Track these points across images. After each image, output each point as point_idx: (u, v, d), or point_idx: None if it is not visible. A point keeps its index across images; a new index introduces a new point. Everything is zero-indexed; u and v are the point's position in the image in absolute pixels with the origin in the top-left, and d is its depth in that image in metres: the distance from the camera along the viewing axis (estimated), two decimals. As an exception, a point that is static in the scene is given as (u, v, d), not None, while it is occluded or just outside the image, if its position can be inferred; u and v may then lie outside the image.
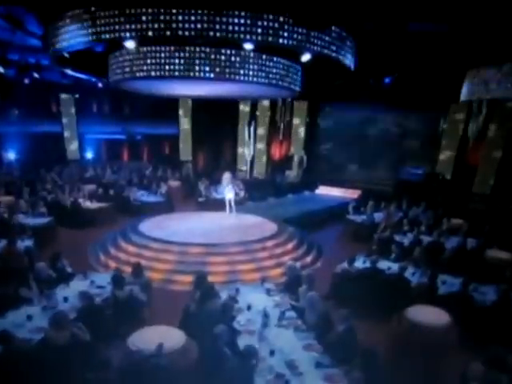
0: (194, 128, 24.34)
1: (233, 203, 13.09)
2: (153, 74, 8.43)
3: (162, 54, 8.54)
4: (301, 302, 6.35)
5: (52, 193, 14.15)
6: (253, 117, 23.03)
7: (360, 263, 8.37)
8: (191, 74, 8.59)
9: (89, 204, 13.61)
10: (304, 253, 10.87)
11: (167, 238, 10.40)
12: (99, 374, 4.57)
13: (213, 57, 8.65)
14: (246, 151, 23.00)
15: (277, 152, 23.00)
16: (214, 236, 10.79)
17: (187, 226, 11.67)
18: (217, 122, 22.11)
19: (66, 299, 6.26)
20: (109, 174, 19.51)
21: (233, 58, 8.68)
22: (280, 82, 9.35)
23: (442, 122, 18.38)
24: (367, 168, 20.14)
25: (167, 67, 8.48)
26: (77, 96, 20.56)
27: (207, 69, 8.63)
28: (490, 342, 5.22)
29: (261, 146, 22.94)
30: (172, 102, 23.59)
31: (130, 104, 23.71)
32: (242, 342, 5.25)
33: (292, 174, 21.17)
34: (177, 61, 8.43)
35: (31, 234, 9.76)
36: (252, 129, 22.86)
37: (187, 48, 8.43)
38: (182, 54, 8.45)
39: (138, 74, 8.44)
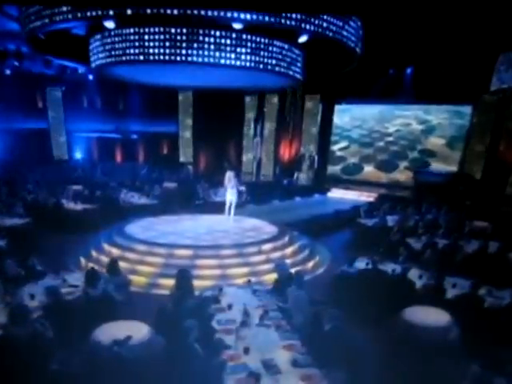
0: (195, 125, 24.68)
1: (233, 207, 13.19)
2: (136, 57, 8.73)
3: (146, 37, 8.88)
4: (289, 302, 6.51)
5: (33, 193, 14.58)
6: (260, 113, 23.36)
7: (363, 265, 8.49)
8: (178, 58, 8.91)
9: (72, 205, 13.98)
10: (305, 258, 11.02)
11: (153, 240, 10.70)
12: (59, 369, 4.80)
13: (201, 39, 8.96)
14: (252, 151, 23.31)
15: (286, 152, 23.25)
16: (206, 238, 11.05)
17: (178, 229, 11.94)
18: (220, 118, 22.38)
19: (32, 296, 6.52)
20: (98, 174, 19.94)
21: (223, 41, 8.99)
22: (276, 68, 9.60)
23: (470, 116, 18.38)
24: (385, 169, 20.22)
25: (151, 50, 8.81)
26: (63, 88, 20.98)
27: (195, 52, 8.95)
28: (493, 344, 5.34)
29: (268, 145, 23.22)
30: (171, 97, 24.04)
31: (125, 99, 24.12)
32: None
33: (302, 175, 21.36)
34: (162, 44, 8.74)
35: (5, 235, 10.10)
36: (259, 126, 23.18)
37: (173, 30, 8.75)
38: (167, 37, 8.76)
39: (118, 59, 8.75)
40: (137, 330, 5.24)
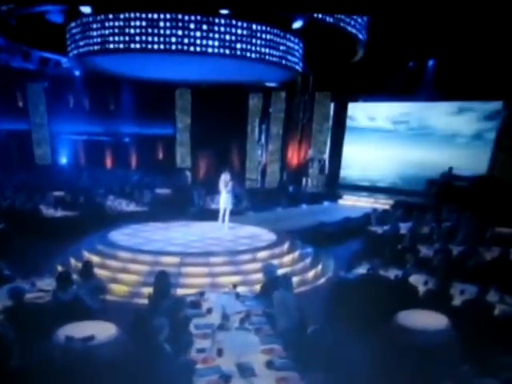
0: (193, 127, 25.00)
1: (228, 213, 13.42)
2: (115, 46, 9.12)
3: (127, 23, 9.26)
4: (273, 305, 6.76)
5: (9, 199, 15.09)
6: (265, 113, 23.68)
7: (364, 271, 8.74)
8: (161, 46, 9.26)
9: (52, 212, 14.46)
10: (306, 267, 11.31)
11: (138, 247, 11.06)
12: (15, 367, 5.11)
13: (186, 25, 9.30)
14: (256, 155, 23.62)
15: (294, 156, 23.53)
16: (196, 246, 11.43)
17: (166, 236, 12.34)
18: (222, 119, 22.62)
19: (-6, 299, 6.87)
20: (84, 180, 20.41)
21: (211, 27, 9.34)
22: (268, 57, 9.91)
23: (502, 113, 18.51)
24: (404, 173, 20.40)
25: (129, 38, 9.19)
26: (46, 85, 21.29)
27: (179, 40, 9.28)
28: (494, 349, 5.55)
29: (274, 148, 23.52)
30: (167, 96, 24.44)
31: (116, 98, 24.34)
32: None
33: (311, 181, 21.64)
34: (143, 31, 9.11)
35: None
36: (264, 128, 23.50)
37: (155, 15, 9.12)
38: (149, 23, 9.13)
39: (96, 47, 9.14)
40: (103, 330, 5.51)
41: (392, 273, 8.57)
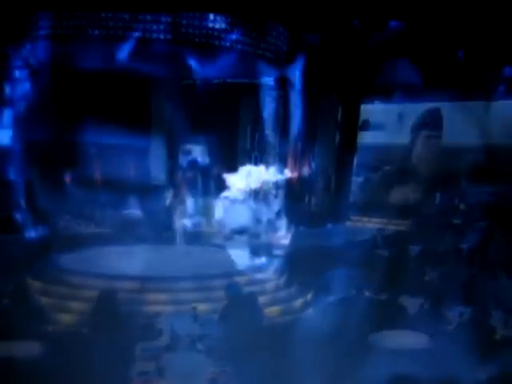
0: (173, 136, 25.42)
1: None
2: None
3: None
4: (229, 325, 7.37)
5: None
6: (260, 120, 24.13)
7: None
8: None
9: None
10: (291, 294, 11.89)
11: (89, 271, 11.67)
12: None
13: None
14: (248, 171, 24.10)
15: (294, 170, 23.90)
16: (160, 270, 12.00)
17: (126, 259, 12.85)
18: (207, 127, 22.97)
19: None
20: (36, 197, 20.94)
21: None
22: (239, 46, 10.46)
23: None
24: (424, 189, 20.87)
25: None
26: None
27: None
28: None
29: (270, 160, 23.94)
30: (140, 96, 24.90)
31: (76, 98, 24.53)
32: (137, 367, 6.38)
33: (314, 199, 22.16)
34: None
35: None
36: (258, 136, 24.01)
37: None
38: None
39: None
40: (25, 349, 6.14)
41: (383, 296, 9.21)
